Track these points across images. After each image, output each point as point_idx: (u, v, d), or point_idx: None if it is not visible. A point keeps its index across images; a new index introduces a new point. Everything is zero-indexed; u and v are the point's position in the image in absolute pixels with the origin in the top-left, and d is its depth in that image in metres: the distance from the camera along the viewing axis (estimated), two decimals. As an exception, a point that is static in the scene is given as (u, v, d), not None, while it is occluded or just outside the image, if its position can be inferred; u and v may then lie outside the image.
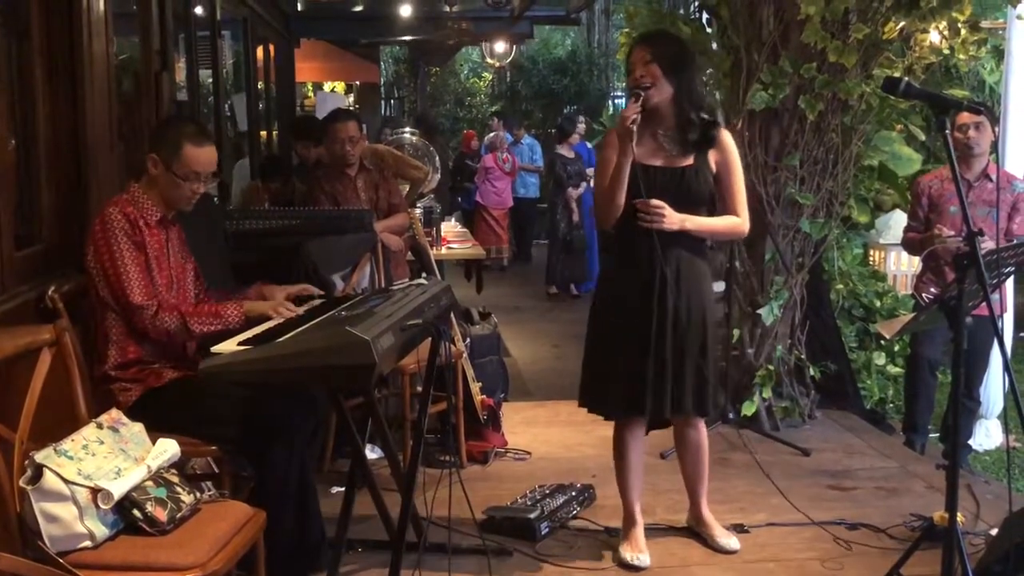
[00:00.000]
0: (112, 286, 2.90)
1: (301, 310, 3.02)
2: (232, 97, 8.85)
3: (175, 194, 3.03)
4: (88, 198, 3.41)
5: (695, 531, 3.65)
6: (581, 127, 10.27)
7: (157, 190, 3.04)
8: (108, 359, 2.97)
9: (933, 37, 4.64)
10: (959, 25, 4.58)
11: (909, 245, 4.87)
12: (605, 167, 3.28)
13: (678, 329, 3.28)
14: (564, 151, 10.00)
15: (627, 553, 3.43)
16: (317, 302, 3.19)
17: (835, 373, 5.45)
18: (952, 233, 4.43)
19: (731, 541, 3.55)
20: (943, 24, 4.56)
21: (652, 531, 3.59)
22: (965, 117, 4.50)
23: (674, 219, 3.20)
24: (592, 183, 8.93)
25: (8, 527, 2.25)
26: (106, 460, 2.35)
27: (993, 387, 5.41)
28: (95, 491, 2.27)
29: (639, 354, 3.27)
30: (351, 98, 16.95)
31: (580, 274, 10.08)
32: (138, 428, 2.53)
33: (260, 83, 9.51)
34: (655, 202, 3.18)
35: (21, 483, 2.25)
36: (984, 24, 4.66)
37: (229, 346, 2.68)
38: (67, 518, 2.24)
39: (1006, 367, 2.80)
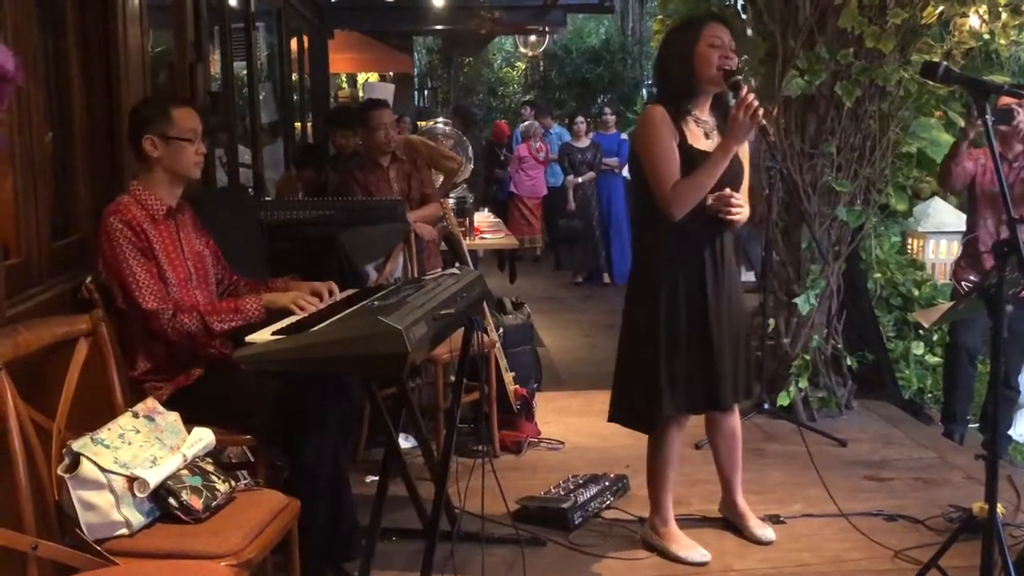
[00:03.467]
0: (125, 295, 2.88)
1: (322, 304, 2.99)
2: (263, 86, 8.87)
3: (183, 160, 2.97)
4: (124, 189, 3.43)
5: (730, 521, 3.62)
6: (581, 123, 10.32)
7: (161, 175, 2.98)
8: (138, 365, 2.97)
9: (973, 21, 4.56)
10: (1000, 9, 4.51)
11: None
12: (668, 153, 3.09)
13: (732, 317, 3.25)
14: (578, 142, 10.05)
15: (683, 552, 3.34)
16: (349, 292, 3.19)
17: (872, 363, 5.40)
18: None
19: (766, 531, 3.53)
20: (983, 8, 4.49)
21: (686, 522, 3.57)
22: (1008, 101, 4.43)
23: (746, 211, 3.16)
24: (627, 171, 8.92)
25: (46, 515, 2.28)
26: (142, 449, 2.37)
27: (1034, 377, 5.33)
28: (131, 479, 2.29)
29: (713, 346, 3.19)
30: (384, 88, 16.98)
31: (589, 262, 10.11)
32: (173, 417, 2.55)
33: (294, 75, 9.54)
34: (735, 195, 3.12)
35: (59, 471, 2.27)
36: (1025, 8, 4.58)
37: (263, 336, 2.69)
38: (104, 506, 2.26)
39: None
